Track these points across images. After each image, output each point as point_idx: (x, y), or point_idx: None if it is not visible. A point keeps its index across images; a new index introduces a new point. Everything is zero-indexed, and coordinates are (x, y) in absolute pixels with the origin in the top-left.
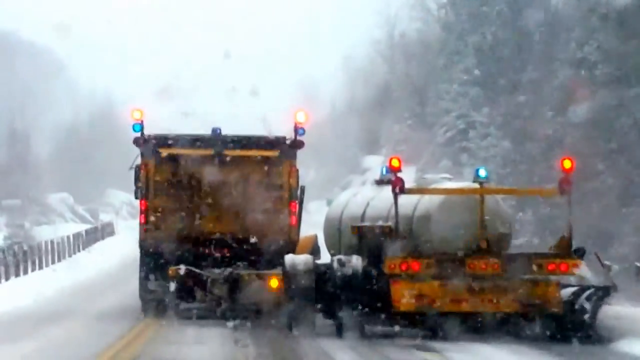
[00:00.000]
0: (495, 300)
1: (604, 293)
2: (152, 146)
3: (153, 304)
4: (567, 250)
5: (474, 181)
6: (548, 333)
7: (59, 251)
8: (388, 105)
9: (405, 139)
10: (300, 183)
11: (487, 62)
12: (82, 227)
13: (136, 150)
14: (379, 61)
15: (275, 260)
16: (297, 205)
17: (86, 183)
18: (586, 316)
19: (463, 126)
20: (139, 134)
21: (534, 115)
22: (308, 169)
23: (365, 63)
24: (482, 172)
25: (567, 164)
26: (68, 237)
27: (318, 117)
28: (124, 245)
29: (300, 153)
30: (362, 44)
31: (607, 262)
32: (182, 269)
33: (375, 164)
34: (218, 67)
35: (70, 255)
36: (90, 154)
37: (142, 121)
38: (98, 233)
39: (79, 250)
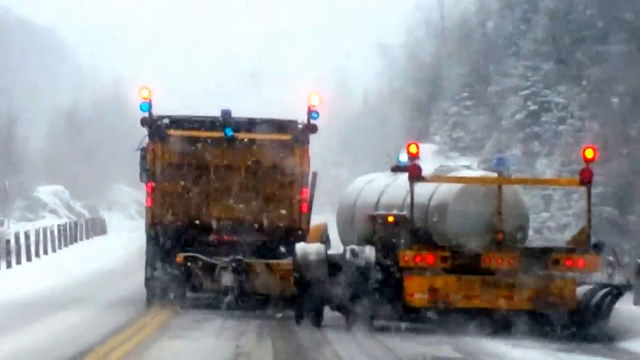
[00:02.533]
0: (509, 297)
1: (619, 292)
2: (161, 127)
3: (158, 293)
4: (586, 245)
5: (492, 170)
6: (560, 331)
7: (10, 253)
8: (439, 86)
9: (463, 123)
10: (315, 171)
11: (562, 31)
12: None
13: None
14: (424, 39)
15: (284, 249)
16: (309, 192)
17: (90, 177)
18: (599, 315)
19: (534, 107)
20: (146, 114)
21: (634, 92)
22: (340, 167)
23: (408, 39)
24: (501, 161)
25: (590, 153)
26: (26, 235)
27: (349, 111)
28: (110, 250)
29: (330, 150)
30: (397, 29)
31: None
32: (190, 255)
33: (427, 154)
34: (239, 55)
35: (21, 261)
36: (95, 146)
37: (150, 100)
38: (78, 231)
39: (45, 253)
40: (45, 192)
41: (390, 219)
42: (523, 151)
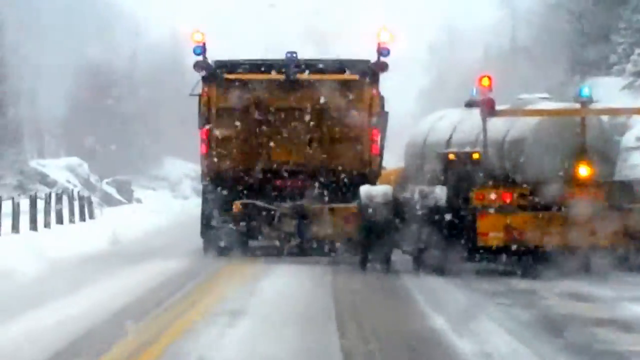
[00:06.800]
0: (595, 234)
1: None
2: (216, 70)
3: (216, 243)
4: None
5: (575, 101)
6: None
7: None
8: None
9: None
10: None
11: None
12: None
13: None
14: None
15: (353, 193)
16: (380, 133)
17: (126, 149)
18: None
19: None
20: (200, 58)
21: None
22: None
23: None
24: (586, 91)
25: None
26: None
27: (467, 64)
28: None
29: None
30: None
31: None
32: (248, 202)
33: (611, 91)
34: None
35: None
36: (139, 111)
37: (204, 43)
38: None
39: None
40: (53, 165)
41: (476, 156)
42: None
